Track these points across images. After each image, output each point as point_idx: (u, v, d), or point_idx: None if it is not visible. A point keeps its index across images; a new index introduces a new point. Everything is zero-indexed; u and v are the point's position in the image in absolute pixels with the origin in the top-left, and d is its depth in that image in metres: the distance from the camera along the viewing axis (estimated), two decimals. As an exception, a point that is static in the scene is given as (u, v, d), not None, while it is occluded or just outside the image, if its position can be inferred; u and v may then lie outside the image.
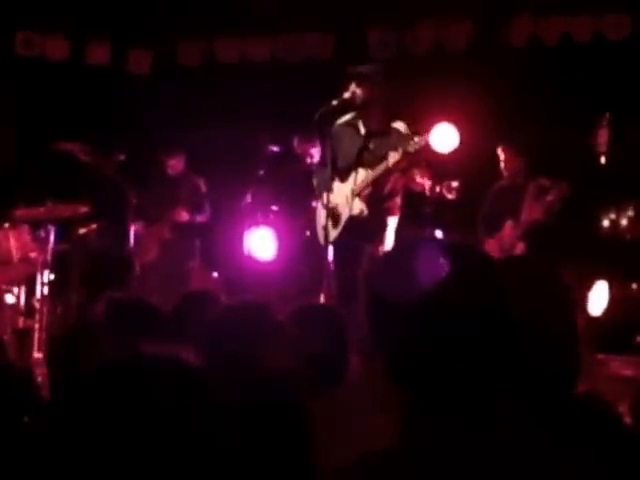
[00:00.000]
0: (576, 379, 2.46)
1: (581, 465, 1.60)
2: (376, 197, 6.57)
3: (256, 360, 2.56)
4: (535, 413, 1.79)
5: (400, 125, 6.54)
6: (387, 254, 1.72)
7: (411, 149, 6.34)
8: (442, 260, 1.60)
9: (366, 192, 6.55)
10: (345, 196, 6.61)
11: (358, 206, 6.58)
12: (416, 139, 6.37)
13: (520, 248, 7.45)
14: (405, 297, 1.59)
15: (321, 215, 6.68)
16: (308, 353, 2.90)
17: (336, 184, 6.61)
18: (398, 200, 6.72)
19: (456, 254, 1.64)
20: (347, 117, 6.74)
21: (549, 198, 7.39)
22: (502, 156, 7.91)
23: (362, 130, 6.68)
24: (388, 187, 6.59)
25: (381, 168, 6.44)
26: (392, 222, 6.64)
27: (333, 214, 6.60)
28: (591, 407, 2.49)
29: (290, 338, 2.86)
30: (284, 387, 1.86)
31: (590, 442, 2.13)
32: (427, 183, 6.80)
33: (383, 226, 6.60)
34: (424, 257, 1.61)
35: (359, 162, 6.60)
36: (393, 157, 6.37)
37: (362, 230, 6.55)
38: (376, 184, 6.53)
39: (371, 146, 6.57)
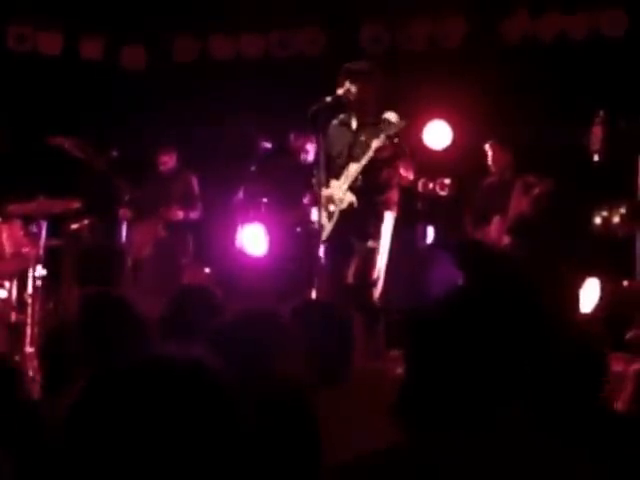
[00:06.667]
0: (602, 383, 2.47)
1: (582, 465, 1.59)
2: (368, 189, 6.56)
3: (270, 365, 2.55)
4: (539, 415, 1.78)
5: (391, 115, 6.53)
6: (410, 271, 1.73)
7: (392, 132, 6.36)
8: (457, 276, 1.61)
9: (357, 184, 6.55)
10: (339, 192, 6.61)
11: (349, 199, 6.57)
12: (395, 120, 6.40)
13: (506, 242, 7.49)
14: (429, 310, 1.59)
15: (318, 212, 6.70)
16: (310, 352, 2.89)
17: (332, 182, 6.63)
18: (394, 195, 6.70)
19: (485, 265, 1.65)
20: (341, 116, 6.77)
21: (536, 192, 7.44)
22: (490, 152, 7.96)
23: (354, 126, 6.70)
24: (381, 179, 6.59)
25: (367, 157, 6.45)
26: (388, 217, 6.63)
27: (328, 210, 6.61)
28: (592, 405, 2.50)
29: (296, 340, 2.85)
30: (294, 390, 1.85)
31: (592, 441, 2.14)
32: (411, 176, 6.78)
33: (378, 220, 6.59)
34: (443, 274, 1.63)
35: (350, 157, 6.62)
36: (376, 143, 6.38)
37: (355, 224, 6.54)
38: (367, 175, 6.52)
39: (362, 139, 6.58)
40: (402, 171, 6.60)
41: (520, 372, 1.59)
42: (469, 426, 1.57)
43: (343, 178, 6.60)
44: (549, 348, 2.39)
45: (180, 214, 8.80)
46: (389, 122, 6.46)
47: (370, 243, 6.52)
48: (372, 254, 6.53)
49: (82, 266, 4.40)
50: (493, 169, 7.96)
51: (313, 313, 3.14)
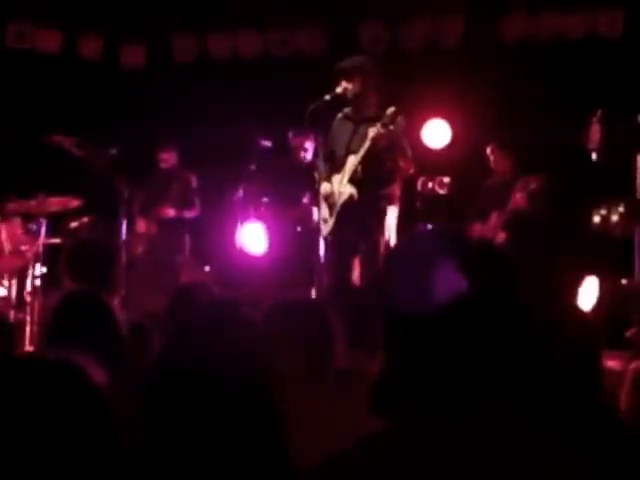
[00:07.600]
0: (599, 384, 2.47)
1: (580, 465, 1.59)
2: (369, 181, 6.54)
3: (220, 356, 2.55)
4: (532, 412, 1.78)
5: (392, 110, 6.52)
6: (397, 264, 1.70)
7: (386, 120, 6.37)
8: (458, 271, 1.60)
9: (357, 176, 6.53)
10: (339, 185, 6.61)
11: (348, 190, 6.56)
12: (388, 111, 6.42)
13: (502, 237, 7.52)
14: (420, 310, 1.58)
15: (321, 208, 6.70)
16: (290, 349, 2.89)
17: (334, 176, 6.63)
18: (396, 189, 6.69)
19: (471, 256, 1.64)
20: (346, 110, 6.77)
21: (532, 187, 7.48)
22: (492, 157, 8.00)
23: (355, 119, 6.70)
24: (382, 172, 6.56)
25: (364, 148, 6.45)
26: (391, 212, 6.61)
27: (330, 204, 6.61)
28: (592, 406, 2.51)
29: (258, 335, 2.83)
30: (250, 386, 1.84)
31: (590, 441, 2.15)
32: (411, 169, 6.79)
33: (381, 214, 6.57)
34: (440, 268, 1.61)
35: (350, 150, 6.61)
36: (372, 133, 6.39)
37: (357, 219, 6.51)
38: (366, 167, 6.50)
39: (361, 131, 6.57)
40: (402, 163, 6.59)
41: (506, 366, 1.59)
42: (449, 412, 1.57)
43: (343, 172, 6.60)
44: (540, 346, 2.40)
45: (171, 212, 8.80)
46: (387, 115, 6.47)
47: (376, 239, 6.48)
48: (376, 252, 6.47)
49: (74, 262, 4.44)
50: (494, 172, 8.01)
51: (291, 312, 3.12)
